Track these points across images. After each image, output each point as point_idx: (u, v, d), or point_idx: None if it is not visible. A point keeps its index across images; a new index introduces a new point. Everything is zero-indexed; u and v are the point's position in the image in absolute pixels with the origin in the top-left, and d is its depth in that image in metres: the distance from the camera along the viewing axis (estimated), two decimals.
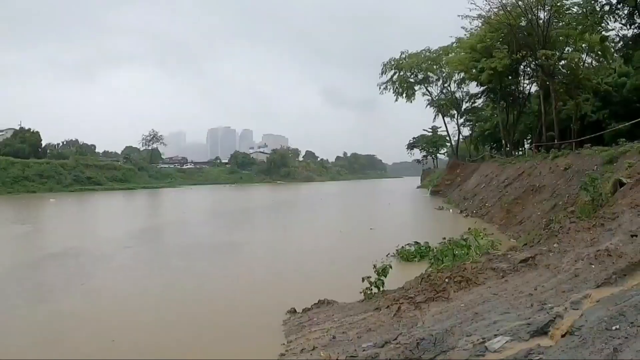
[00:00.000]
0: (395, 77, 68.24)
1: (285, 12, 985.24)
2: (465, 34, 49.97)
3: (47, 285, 15.27)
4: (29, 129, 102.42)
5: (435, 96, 70.02)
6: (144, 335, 10.32)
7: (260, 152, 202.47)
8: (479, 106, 66.85)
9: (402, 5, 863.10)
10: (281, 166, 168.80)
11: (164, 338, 10.08)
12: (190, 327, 10.71)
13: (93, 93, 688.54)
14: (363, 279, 10.86)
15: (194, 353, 9.20)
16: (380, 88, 69.42)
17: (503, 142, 53.32)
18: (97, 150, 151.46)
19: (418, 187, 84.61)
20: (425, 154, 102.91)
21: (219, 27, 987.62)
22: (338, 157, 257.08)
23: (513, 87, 49.58)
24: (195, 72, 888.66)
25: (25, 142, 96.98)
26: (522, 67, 45.58)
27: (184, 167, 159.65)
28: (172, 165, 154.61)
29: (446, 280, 9.25)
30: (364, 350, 6.38)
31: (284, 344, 8.84)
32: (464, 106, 68.38)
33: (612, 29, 30.77)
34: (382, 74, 68.95)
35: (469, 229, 16.80)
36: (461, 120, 71.91)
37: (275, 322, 10.36)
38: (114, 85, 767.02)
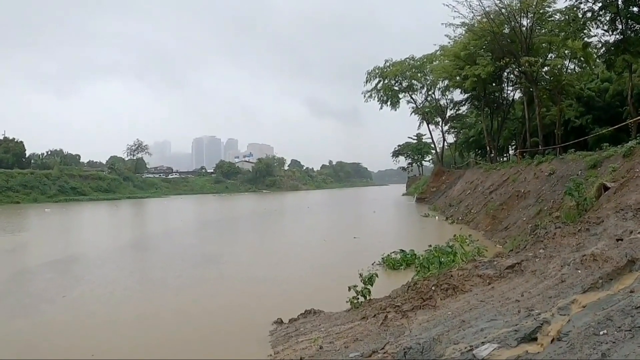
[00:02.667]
0: (379, 85, 68.51)
1: (266, 26, 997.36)
2: (449, 42, 50.30)
3: (34, 296, 15.00)
4: (13, 139, 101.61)
5: (420, 104, 70.40)
6: (124, 350, 10.09)
7: (246, 161, 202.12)
8: (464, 113, 67.38)
9: (384, 16, 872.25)
10: (267, 175, 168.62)
11: (147, 352, 9.88)
12: (175, 339, 10.56)
13: (76, 103, 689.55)
14: (349, 288, 10.80)
15: None
16: (364, 96, 69.71)
17: (488, 148, 53.54)
18: (81, 160, 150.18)
19: (403, 195, 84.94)
20: (410, 161, 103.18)
21: (201, 39, 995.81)
22: (323, 166, 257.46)
23: (497, 94, 50.02)
24: (178, 83, 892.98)
25: (8, 152, 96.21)
26: (505, 73, 45.96)
27: (169, 176, 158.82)
28: (157, 175, 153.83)
29: (433, 288, 9.20)
30: None
31: (270, 355, 8.75)
32: (448, 113, 68.58)
33: (595, 35, 30.98)
34: (366, 82, 69.31)
35: (455, 235, 16.80)
36: (446, 128, 72.20)
37: (261, 333, 10.26)
38: (97, 96, 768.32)
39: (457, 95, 60.69)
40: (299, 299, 12.97)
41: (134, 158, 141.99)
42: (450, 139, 77.13)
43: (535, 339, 5.04)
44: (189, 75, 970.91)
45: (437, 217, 37.69)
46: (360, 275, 11.28)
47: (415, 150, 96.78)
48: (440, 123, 71.22)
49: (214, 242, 29.39)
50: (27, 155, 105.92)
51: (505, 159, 54.02)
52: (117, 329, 11.71)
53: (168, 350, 10.00)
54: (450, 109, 67.74)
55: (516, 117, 51.45)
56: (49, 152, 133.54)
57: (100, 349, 10.05)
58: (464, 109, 65.11)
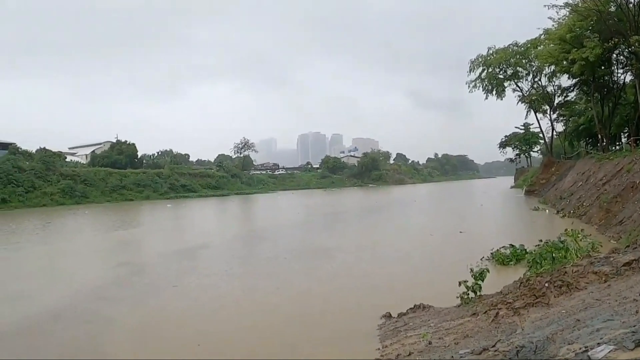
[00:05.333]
0: (483, 74, 66.28)
1: (360, 21, 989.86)
2: (553, 25, 47.71)
3: (150, 285, 16.31)
4: (125, 141, 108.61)
5: (526, 92, 67.17)
6: (227, 341, 10.64)
7: (351, 156, 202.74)
8: (572, 100, 63.31)
9: (480, 2, 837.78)
10: (372, 169, 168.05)
11: (255, 343, 10.37)
12: (284, 331, 11.00)
13: (183, 106, 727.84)
14: (460, 283, 10.74)
15: (284, 356, 9.42)
16: (469, 86, 67.75)
17: (599, 136, 50.10)
18: (190, 159, 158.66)
19: (512, 187, 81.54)
20: (518, 152, 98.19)
21: (296, 38, 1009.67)
22: (429, 159, 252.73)
23: (606, 78, 46.87)
24: (280, 81, 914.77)
25: (122, 154, 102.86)
26: (615, 55, 43.10)
27: (276, 172, 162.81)
28: (264, 172, 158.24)
29: (546, 284, 8.95)
30: (461, 357, 6.33)
31: (378, 348, 8.88)
32: (556, 100, 64.82)
33: None
34: (469, 72, 67.30)
35: (566, 230, 16.12)
36: (554, 116, 67.94)
37: (369, 327, 10.43)
38: (203, 98, 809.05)
39: (565, 81, 57.96)
40: (407, 293, 13.07)
41: (241, 156, 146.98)
42: (559, 127, 72.53)
43: None
44: (289, 73, 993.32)
45: (547, 211, 35.99)
46: (471, 270, 11.18)
47: (522, 140, 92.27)
48: (548, 111, 67.53)
49: (323, 236, 30.23)
50: (139, 156, 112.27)
51: (618, 147, 50.34)
52: (220, 319, 12.44)
53: (274, 340, 10.45)
54: (558, 96, 64.22)
55: (628, 102, 47.89)
56: (160, 153, 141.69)
57: (205, 339, 10.68)
58: (572, 95, 61.72)
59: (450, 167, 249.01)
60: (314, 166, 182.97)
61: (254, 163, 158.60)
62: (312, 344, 9.98)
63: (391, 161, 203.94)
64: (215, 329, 11.54)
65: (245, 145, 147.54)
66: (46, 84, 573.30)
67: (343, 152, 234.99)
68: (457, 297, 10.80)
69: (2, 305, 14.59)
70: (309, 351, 9.54)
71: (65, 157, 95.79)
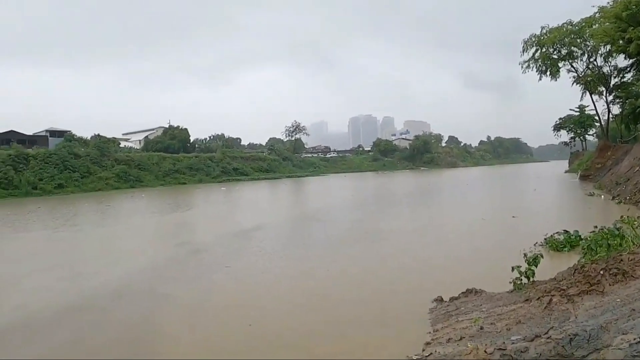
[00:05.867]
0: (537, 54, 64.00)
1: (410, 1, 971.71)
2: (608, 2, 45.76)
3: (205, 266, 16.79)
4: (178, 126, 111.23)
5: (581, 72, 64.53)
6: (284, 323, 10.83)
7: (403, 138, 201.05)
8: (629, 81, 59.83)
9: None
10: (424, 152, 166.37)
11: (306, 325, 10.60)
12: (334, 313, 11.19)
13: (234, 90, 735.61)
14: (513, 268, 10.67)
15: (335, 339, 9.58)
16: (522, 67, 65.58)
17: None
18: (242, 143, 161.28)
19: (566, 172, 78.95)
20: (572, 135, 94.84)
21: (345, 20, 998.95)
22: (481, 142, 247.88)
23: None
24: (330, 65, 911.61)
25: (174, 139, 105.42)
26: None
27: (327, 155, 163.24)
28: (315, 155, 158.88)
29: (601, 272, 8.82)
30: (512, 343, 6.36)
31: (429, 332, 8.98)
32: (612, 82, 62.04)
33: None
34: (523, 52, 65.11)
35: (622, 217, 15.67)
36: (610, 98, 64.81)
37: (421, 310, 10.53)
38: (253, 83, 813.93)
39: (621, 61, 55.49)
40: (458, 277, 13.08)
41: (293, 139, 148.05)
42: (616, 110, 69.37)
43: None
44: (339, 56, 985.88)
45: (602, 196, 34.78)
46: (525, 255, 11.09)
47: (577, 123, 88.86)
48: (604, 93, 64.69)
49: (375, 218, 30.41)
50: (191, 141, 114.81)
51: None
52: (271, 300, 12.73)
53: (324, 320, 10.65)
54: (615, 77, 61.40)
55: None
56: (212, 137, 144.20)
57: (257, 320, 10.98)
58: (629, 76, 58.61)
59: (503, 151, 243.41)
60: (366, 149, 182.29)
61: (305, 146, 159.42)
62: (363, 326, 10.14)
63: (443, 144, 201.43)
64: (266, 310, 11.88)
65: (297, 128, 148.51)
66: (100, 73, 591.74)
67: (394, 135, 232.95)
68: (510, 283, 10.74)
69: (67, 283, 15.48)
70: (359, 333, 9.70)
71: (119, 143, 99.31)
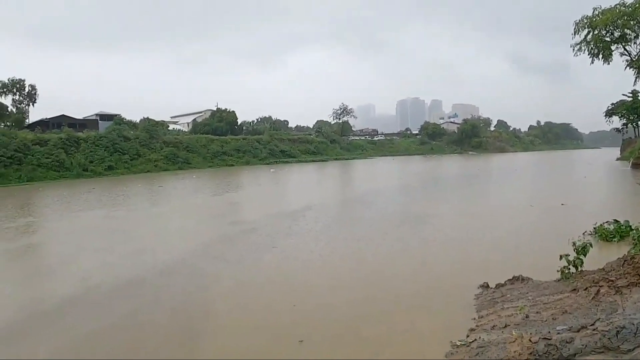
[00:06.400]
0: (588, 36, 61.39)
1: None
2: None
3: (253, 245, 17.15)
4: (225, 109, 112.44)
5: (634, 56, 61.61)
6: (326, 305, 10.97)
7: (451, 122, 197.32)
8: None
9: None
10: (472, 136, 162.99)
11: (351, 306, 10.75)
12: (378, 296, 11.32)
13: (281, 73, 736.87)
14: (561, 257, 10.54)
15: (380, 320, 9.71)
16: (573, 50, 63.00)
17: None
18: (289, 125, 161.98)
19: (617, 159, 75.99)
20: (624, 122, 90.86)
21: (393, 3, 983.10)
22: (531, 127, 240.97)
23: None
24: (377, 47, 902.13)
25: (222, 121, 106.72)
26: None
27: (375, 138, 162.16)
28: (362, 137, 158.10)
29: None
30: (558, 333, 6.38)
31: (474, 318, 9.01)
32: None
33: None
34: (574, 34, 62.41)
35: None
36: None
37: (466, 295, 10.57)
38: (300, 65, 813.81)
39: None
40: (505, 264, 12.98)
41: (340, 121, 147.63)
42: None
43: None
44: (387, 38, 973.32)
45: None
46: (573, 244, 10.90)
47: (630, 109, 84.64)
48: None
49: (422, 201, 30.58)
50: (239, 123, 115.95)
51: None
52: (316, 281, 13.02)
53: (368, 305, 10.73)
54: None
55: None
56: (259, 119, 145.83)
57: (301, 300, 11.24)
58: None
59: (553, 136, 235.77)
60: (413, 132, 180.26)
61: (352, 129, 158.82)
62: (408, 309, 10.28)
63: (491, 128, 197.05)
64: (311, 290, 12.20)
65: (344, 111, 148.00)
66: (149, 57, 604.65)
67: (442, 118, 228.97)
68: (557, 271, 10.63)
69: (126, 260, 16.35)
70: (403, 317, 9.81)
71: (168, 126, 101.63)
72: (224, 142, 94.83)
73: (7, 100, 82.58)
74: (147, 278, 13.87)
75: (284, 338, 9.15)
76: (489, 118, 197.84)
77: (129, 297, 12.15)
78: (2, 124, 78.18)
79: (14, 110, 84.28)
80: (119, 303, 11.64)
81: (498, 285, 10.85)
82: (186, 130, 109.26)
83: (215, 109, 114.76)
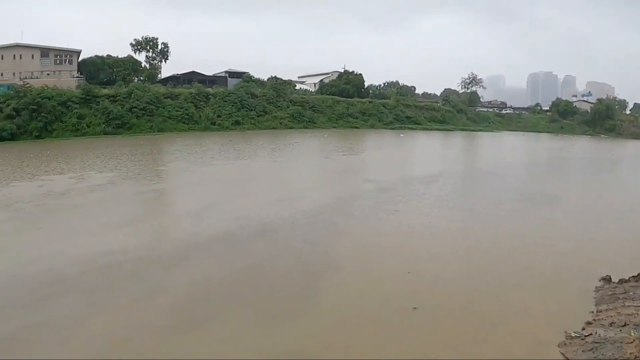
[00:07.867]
0: None
1: None
2: None
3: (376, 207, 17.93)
4: (353, 72, 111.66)
5: None
6: (438, 278, 11.23)
7: (584, 100, 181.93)
8: None
9: None
10: (606, 118, 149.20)
11: (465, 281, 10.94)
12: (497, 273, 11.45)
13: (408, 39, 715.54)
14: None
15: (494, 299, 9.83)
16: None
17: None
18: (416, 91, 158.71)
19: None
20: None
21: None
22: None
23: None
24: (509, 15, 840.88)
25: (349, 83, 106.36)
26: None
27: (502, 111, 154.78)
28: (490, 109, 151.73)
29: None
30: None
31: (592, 312, 8.81)
32: None
33: None
34: None
35: None
36: None
37: (586, 287, 10.36)
38: (428, 31, 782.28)
39: None
40: (630, 258, 12.45)
41: (468, 91, 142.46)
42: None
43: None
44: (520, 5, 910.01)
45: None
46: None
47: None
48: None
49: (550, 181, 29.58)
50: (365, 87, 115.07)
51: None
52: (432, 252, 13.32)
53: (481, 284, 10.82)
54: None
55: None
56: (386, 84, 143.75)
57: (415, 269, 11.68)
58: None
59: None
60: (544, 108, 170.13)
61: (480, 100, 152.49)
62: (524, 291, 10.28)
63: (627, 111, 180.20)
64: (426, 259, 12.60)
65: (473, 80, 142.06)
66: (277, 19, 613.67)
67: (575, 96, 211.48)
68: None
69: (268, 207, 18.34)
70: (516, 297, 9.89)
71: (295, 85, 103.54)
72: (349, 104, 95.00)
73: (140, 57, 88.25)
74: (284, 226, 15.78)
75: (399, 302, 9.67)
76: (625, 100, 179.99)
77: (265, 242, 13.90)
78: (136, 79, 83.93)
79: (147, 66, 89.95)
80: (258, 245, 13.55)
81: (621, 281, 10.47)
82: (313, 91, 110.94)
83: (342, 71, 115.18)
